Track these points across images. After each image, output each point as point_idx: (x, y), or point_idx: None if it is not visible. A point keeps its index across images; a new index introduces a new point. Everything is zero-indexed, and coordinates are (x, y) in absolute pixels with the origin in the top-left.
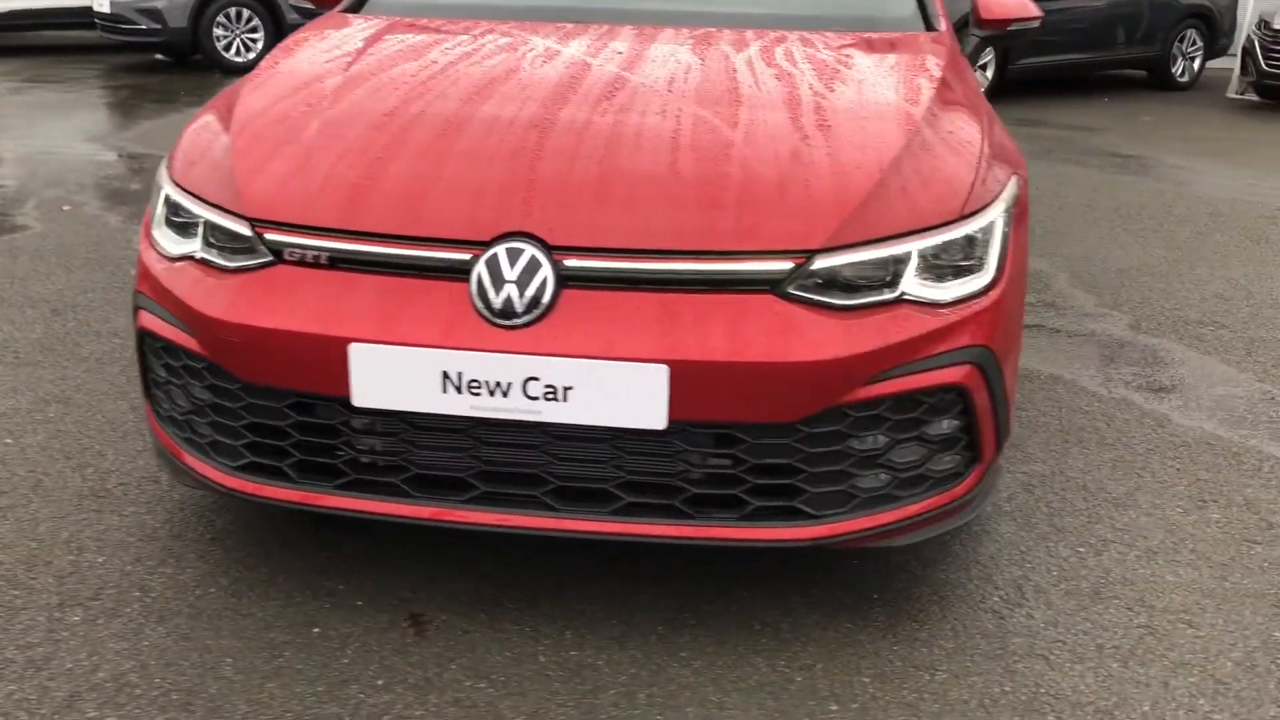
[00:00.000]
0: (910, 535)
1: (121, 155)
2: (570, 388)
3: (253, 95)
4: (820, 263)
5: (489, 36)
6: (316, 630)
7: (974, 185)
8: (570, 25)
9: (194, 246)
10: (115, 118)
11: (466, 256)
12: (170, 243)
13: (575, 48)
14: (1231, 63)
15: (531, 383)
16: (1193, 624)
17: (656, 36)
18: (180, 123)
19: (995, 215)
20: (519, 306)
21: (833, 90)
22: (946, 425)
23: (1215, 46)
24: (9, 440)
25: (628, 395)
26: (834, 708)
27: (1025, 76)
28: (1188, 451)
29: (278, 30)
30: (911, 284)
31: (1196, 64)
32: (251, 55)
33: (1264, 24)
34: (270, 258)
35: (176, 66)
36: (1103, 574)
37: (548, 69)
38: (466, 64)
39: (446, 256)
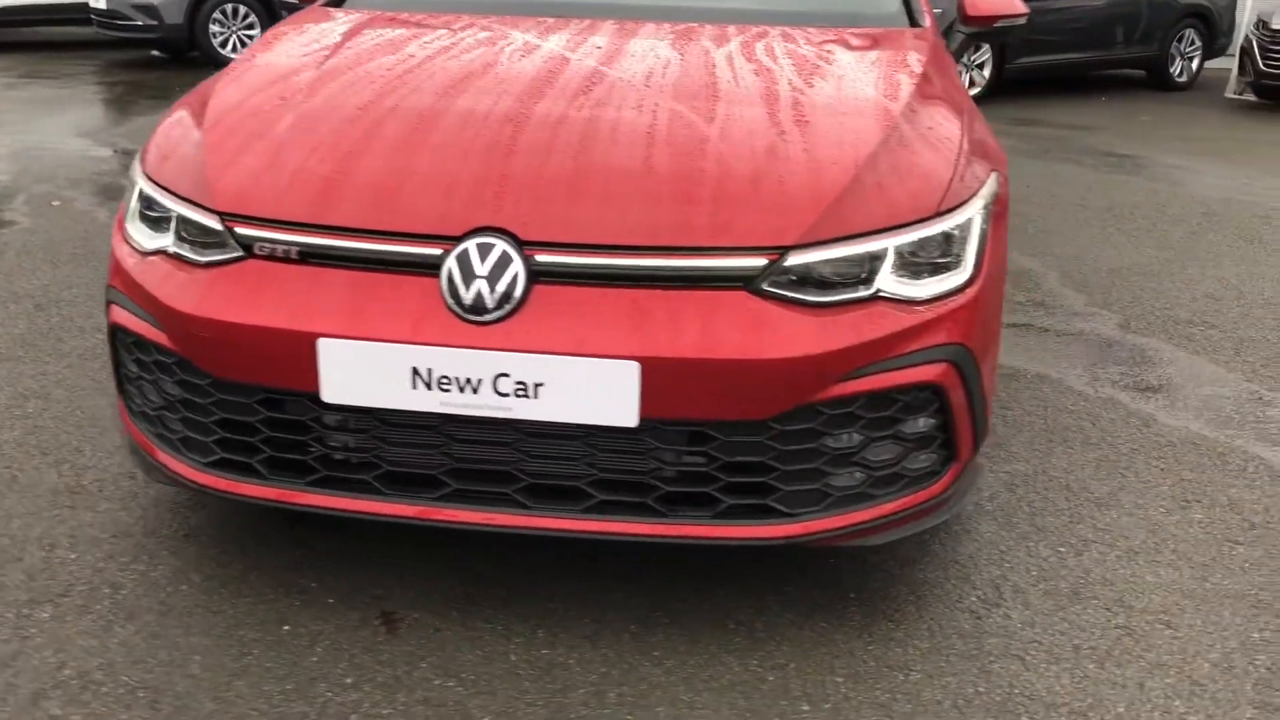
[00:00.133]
0: (886, 534)
1: (115, 151)
2: (541, 384)
3: (227, 89)
4: (794, 259)
5: (468, 31)
6: (287, 628)
7: (951, 182)
8: (551, 20)
9: (166, 241)
10: (109, 114)
11: (437, 251)
12: (143, 237)
13: (554, 42)
14: (1230, 63)
15: (502, 379)
16: (1171, 625)
17: (637, 32)
18: None
19: (973, 212)
20: (490, 302)
21: (811, 86)
22: (923, 423)
23: (1214, 46)
24: None
25: (598, 392)
26: (805, 708)
27: (1022, 76)
28: (1173, 451)
29: None
30: (887, 281)
31: (1195, 64)
32: None
33: (1262, 24)
34: (241, 252)
35: (173, 63)
36: (1082, 574)
37: (525, 63)
38: (444, 58)
39: (417, 251)
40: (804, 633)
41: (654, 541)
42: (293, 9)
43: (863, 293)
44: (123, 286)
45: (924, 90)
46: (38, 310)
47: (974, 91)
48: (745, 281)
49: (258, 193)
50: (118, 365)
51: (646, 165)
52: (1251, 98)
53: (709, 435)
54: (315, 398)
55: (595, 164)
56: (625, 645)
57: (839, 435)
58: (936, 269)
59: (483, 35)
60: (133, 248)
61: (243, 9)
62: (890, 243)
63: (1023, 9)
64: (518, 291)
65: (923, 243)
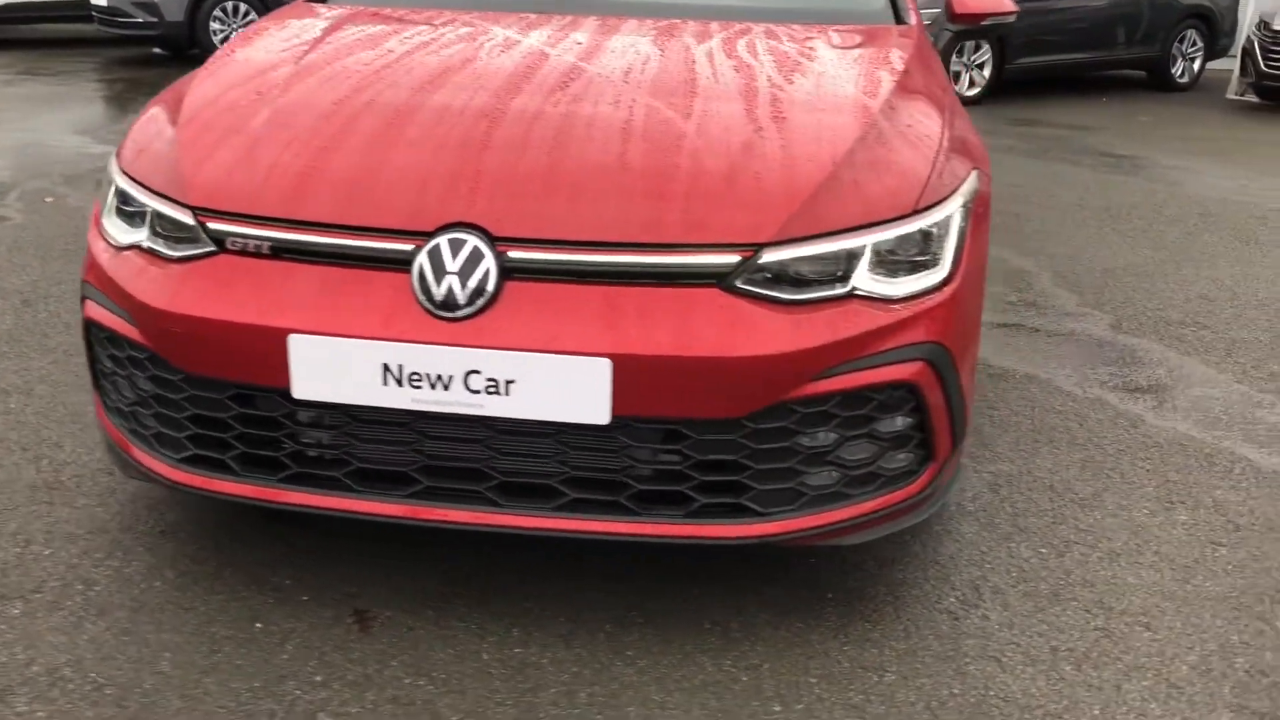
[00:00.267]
0: (862, 534)
1: (111, 148)
2: (512, 381)
3: (203, 84)
4: (768, 256)
5: (449, 27)
6: (259, 625)
7: (930, 179)
8: (534, 16)
9: (141, 236)
10: (108, 111)
11: (409, 247)
12: (119, 232)
13: (535, 38)
14: (1232, 64)
15: (473, 376)
16: (1150, 627)
17: (619, 28)
18: None
19: (952, 210)
20: (461, 298)
21: (791, 83)
22: (899, 423)
23: (1216, 47)
24: None
25: (570, 389)
26: (778, 708)
27: (1023, 76)
28: (1159, 452)
29: None
30: (863, 279)
31: (1197, 65)
32: None
33: (1264, 25)
34: (213, 247)
35: (173, 60)
36: (1063, 575)
37: (503, 59)
38: (423, 53)
39: (389, 247)
40: (779, 633)
41: (626, 540)
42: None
43: (838, 290)
44: (96, 281)
45: (904, 87)
46: (25, 306)
47: (974, 91)
48: (719, 279)
49: (230, 188)
50: (93, 361)
51: (621, 161)
52: (1253, 98)
53: (682, 433)
54: (286, 394)
55: (570, 160)
56: (599, 645)
57: (813, 434)
58: (914, 267)
59: (464, 31)
60: (108, 243)
61: (243, 6)
62: (866, 240)
63: (1011, 7)
64: (489, 287)
65: (899, 240)
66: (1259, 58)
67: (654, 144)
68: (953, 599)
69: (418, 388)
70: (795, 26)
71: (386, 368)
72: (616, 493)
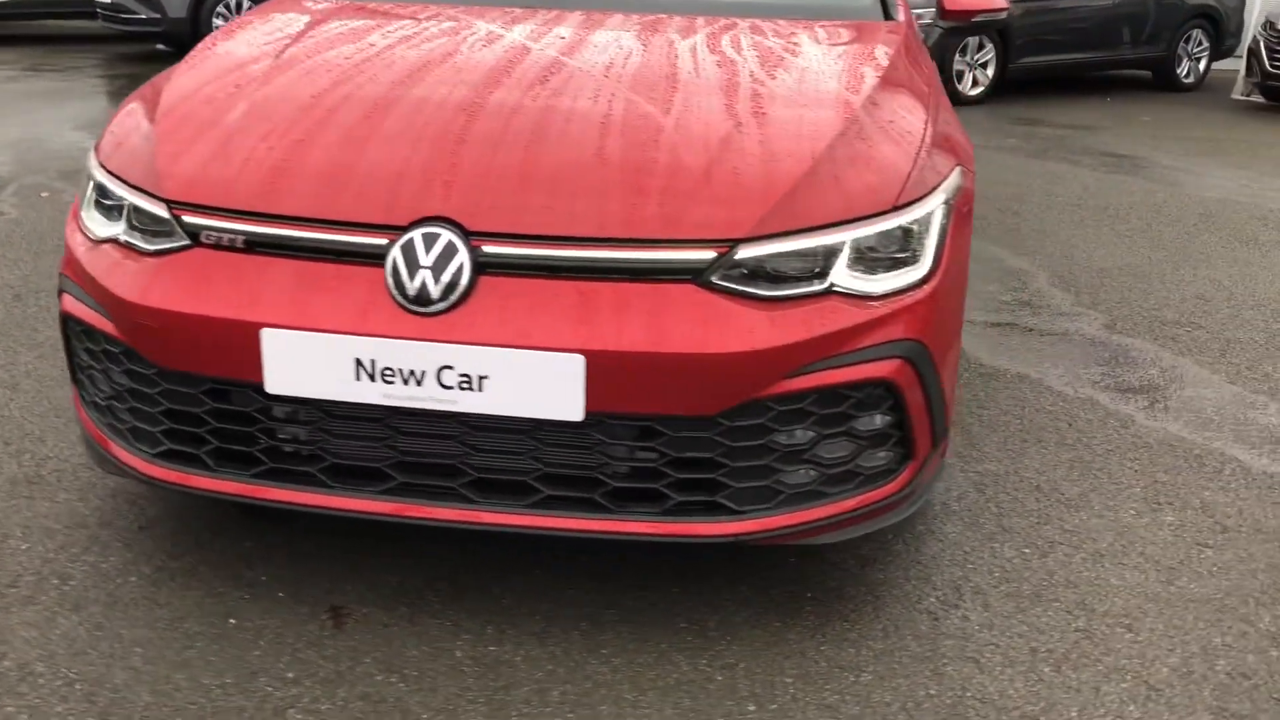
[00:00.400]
0: (839, 533)
1: None
2: (485, 377)
3: (183, 77)
4: (744, 252)
5: (433, 21)
6: (233, 621)
7: (911, 175)
8: (519, 10)
9: (119, 229)
10: (109, 107)
11: (382, 241)
12: (97, 225)
13: (518, 32)
14: (1238, 64)
15: (446, 371)
16: (1132, 628)
17: (604, 23)
18: None
19: (933, 206)
20: (434, 293)
21: (774, 78)
22: (878, 421)
23: (1222, 47)
24: None
25: (543, 385)
26: (752, 708)
27: (1026, 76)
28: (1149, 453)
29: None
30: (842, 275)
31: (1202, 65)
32: None
33: (1270, 25)
34: (188, 241)
35: (176, 57)
36: (1046, 576)
37: (485, 53)
38: (404, 47)
39: (362, 241)
40: (757, 632)
41: (601, 538)
42: None
43: (816, 287)
44: (73, 275)
45: (888, 83)
46: (16, 300)
47: (976, 91)
48: (694, 274)
49: (205, 181)
50: (70, 355)
51: (599, 156)
52: (1259, 99)
53: (657, 430)
54: (260, 389)
55: (546, 154)
56: (574, 643)
57: (789, 432)
58: (894, 264)
59: (447, 25)
60: (85, 236)
61: (245, 2)
62: (845, 236)
63: (1001, 4)
64: (463, 282)
65: (879, 237)
66: (1264, 58)
67: (632, 139)
68: (933, 599)
69: (390, 383)
70: (781, 22)
71: (359, 362)
72: (591, 490)
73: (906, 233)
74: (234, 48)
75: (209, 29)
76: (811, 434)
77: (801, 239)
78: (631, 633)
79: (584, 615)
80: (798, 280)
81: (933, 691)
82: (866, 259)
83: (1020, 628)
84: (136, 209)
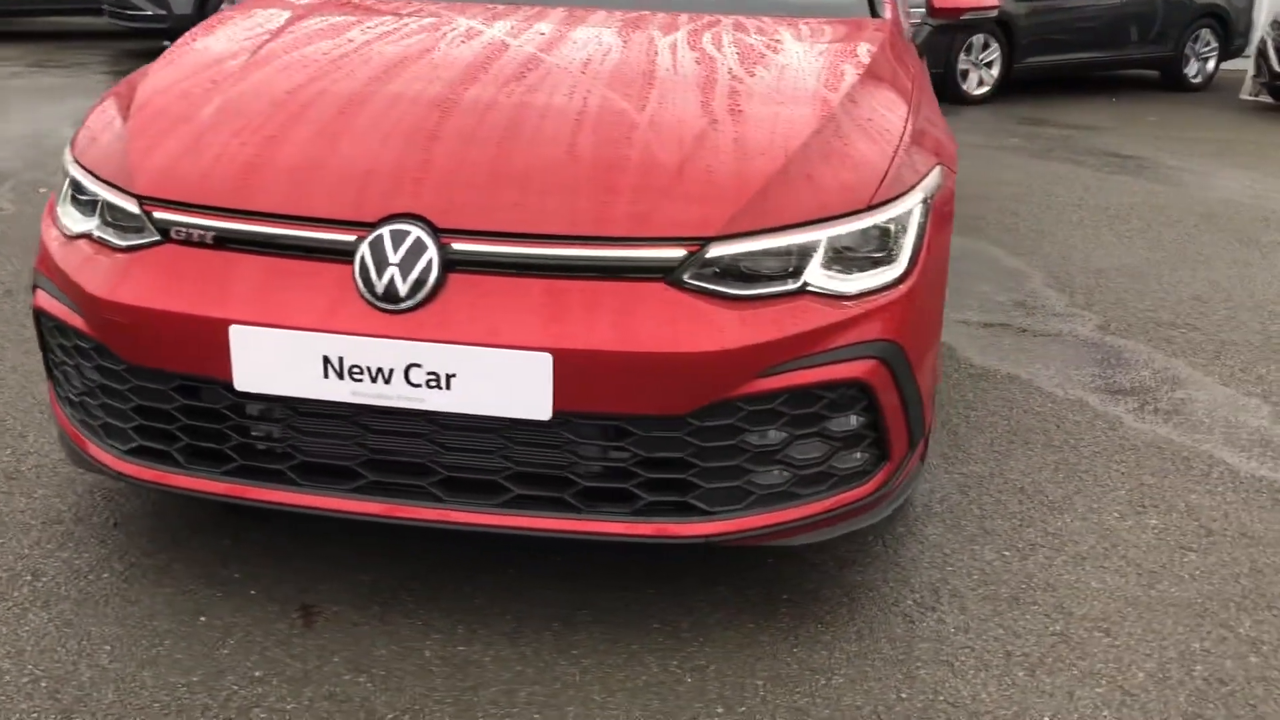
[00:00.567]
0: (813, 534)
1: None
2: (453, 375)
3: (160, 73)
4: (716, 251)
5: (414, 17)
6: (203, 619)
7: (887, 174)
8: (501, 6)
9: (93, 225)
10: None
11: (351, 238)
12: (71, 221)
13: (499, 28)
14: (1247, 64)
15: (414, 369)
16: (1110, 633)
17: (586, 19)
18: None
19: (910, 205)
20: (402, 290)
21: (752, 75)
22: (853, 422)
23: (1230, 47)
24: None
25: (511, 384)
26: (720, 710)
27: (1031, 75)
28: (1136, 455)
29: None
30: (816, 274)
31: (1210, 64)
32: None
33: (1278, 24)
34: (158, 237)
35: None
36: (1025, 579)
37: (463, 49)
38: (383, 43)
39: (331, 237)
40: (729, 633)
41: (571, 538)
42: None
43: (789, 286)
44: (46, 270)
45: (869, 81)
46: (6, 296)
47: (982, 90)
48: (664, 273)
49: (176, 176)
50: (45, 351)
51: (571, 153)
52: (1267, 99)
53: (626, 430)
54: (229, 386)
55: (518, 151)
56: (545, 643)
57: (761, 432)
58: (869, 263)
59: (428, 21)
60: (60, 231)
61: None
62: (818, 235)
63: (992, 1)
64: (431, 280)
65: (854, 236)
66: (1273, 58)
67: (605, 136)
68: (910, 602)
69: (358, 381)
70: (765, 19)
71: (327, 360)
72: (562, 489)
73: (883, 232)
74: (213, 43)
75: None
76: (784, 434)
77: (774, 237)
78: (604, 633)
79: (557, 615)
80: (770, 279)
81: (904, 695)
82: (842, 258)
83: (996, 631)
84: (109, 205)
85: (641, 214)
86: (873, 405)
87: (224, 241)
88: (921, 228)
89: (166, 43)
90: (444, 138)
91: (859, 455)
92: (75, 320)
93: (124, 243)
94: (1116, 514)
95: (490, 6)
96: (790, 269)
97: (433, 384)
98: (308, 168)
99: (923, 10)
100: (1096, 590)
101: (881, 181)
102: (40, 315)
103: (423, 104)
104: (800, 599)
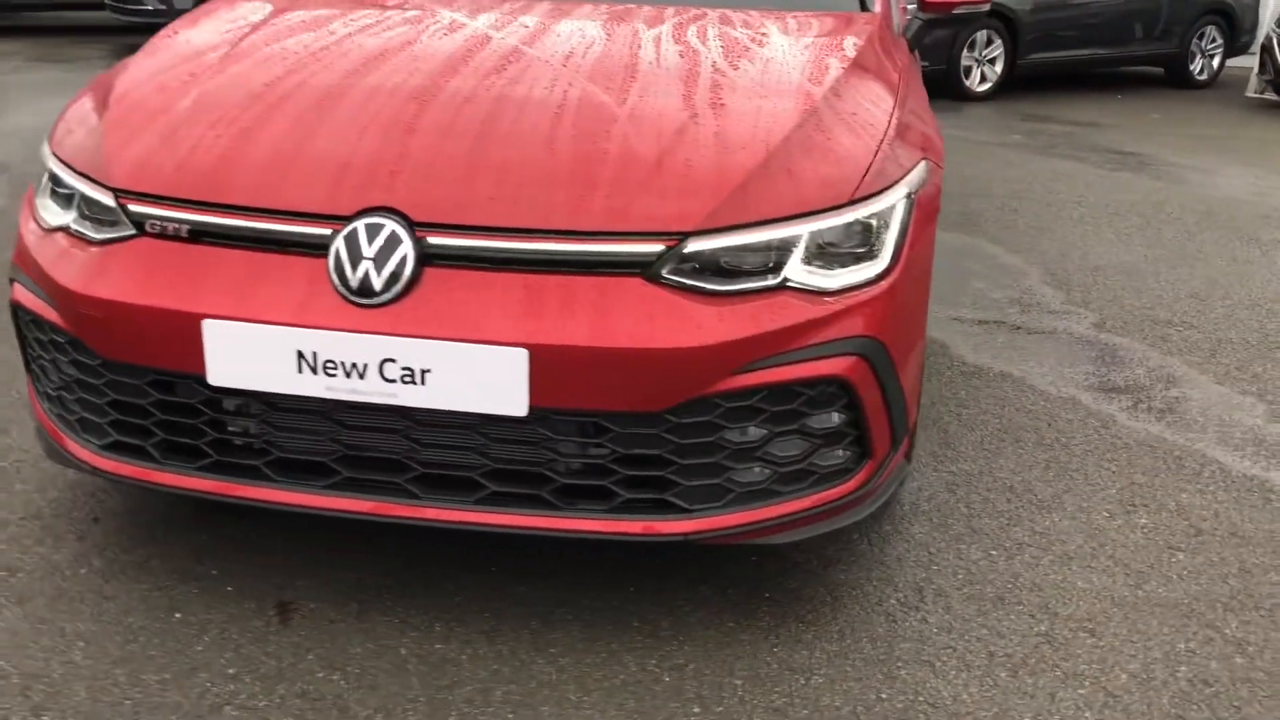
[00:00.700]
0: (794, 532)
1: None
2: (428, 370)
3: (139, 65)
4: (694, 245)
5: (398, 9)
6: (178, 615)
7: (870, 168)
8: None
9: (70, 218)
10: None
11: (326, 231)
12: (50, 214)
13: (482, 21)
14: (1253, 61)
15: (388, 364)
16: (1095, 633)
17: (571, 12)
18: None
19: (893, 200)
20: (377, 284)
21: (736, 69)
22: (835, 419)
23: (1236, 44)
24: None
25: (486, 380)
26: (697, 710)
27: (1035, 72)
28: (1127, 454)
29: None
30: (796, 270)
31: (1216, 62)
32: None
33: None
34: (133, 230)
35: None
36: (1011, 579)
37: (445, 42)
38: (364, 36)
39: (306, 231)
40: (710, 632)
41: (548, 535)
42: None
43: (769, 282)
44: (22, 264)
45: (855, 75)
46: None
47: (985, 87)
48: (642, 268)
49: (151, 169)
50: (23, 346)
51: (549, 146)
52: (1272, 97)
53: (604, 427)
54: (203, 381)
55: (496, 144)
56: (523, 642)
57: (740, 429)
58: (851, 259)
59: (411, 13)
60: (38, 224)
61: None
62: (798, 230)
63: None
64: (406, 274)
65: (835, 231)
66: (1278, 55)
67: (584, 129)
68: (893, 601)
69: (332, 376)
70: (753, 13)
71: (301, 355)
72: (538, 486)
73: (865, 227)
74: (195, 35)
75: None
76: (763, 431)
77: (753, 232)
78: (582, 632)
79: (536, 613)
80: (750, 275)
81: (884, 695)
82: (824, 253)
83: (980, 631)
84: (86, 198)
85: (619, 208)
86: (854, 402)
87: (199, 235)
88: (905, 223)
89: None
90: (421, 130)
91: (840, 453)
92: (50, 314)
93: (99, 236)
94: (1106, 513)
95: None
96: (770, 264)
97: (407, 379)
98: (283, 161)
99: (914, 5)
100: (1083, 590)
101: (864, 176)
102: (17, 309)
103: (401, 97)
104: (782, 598)
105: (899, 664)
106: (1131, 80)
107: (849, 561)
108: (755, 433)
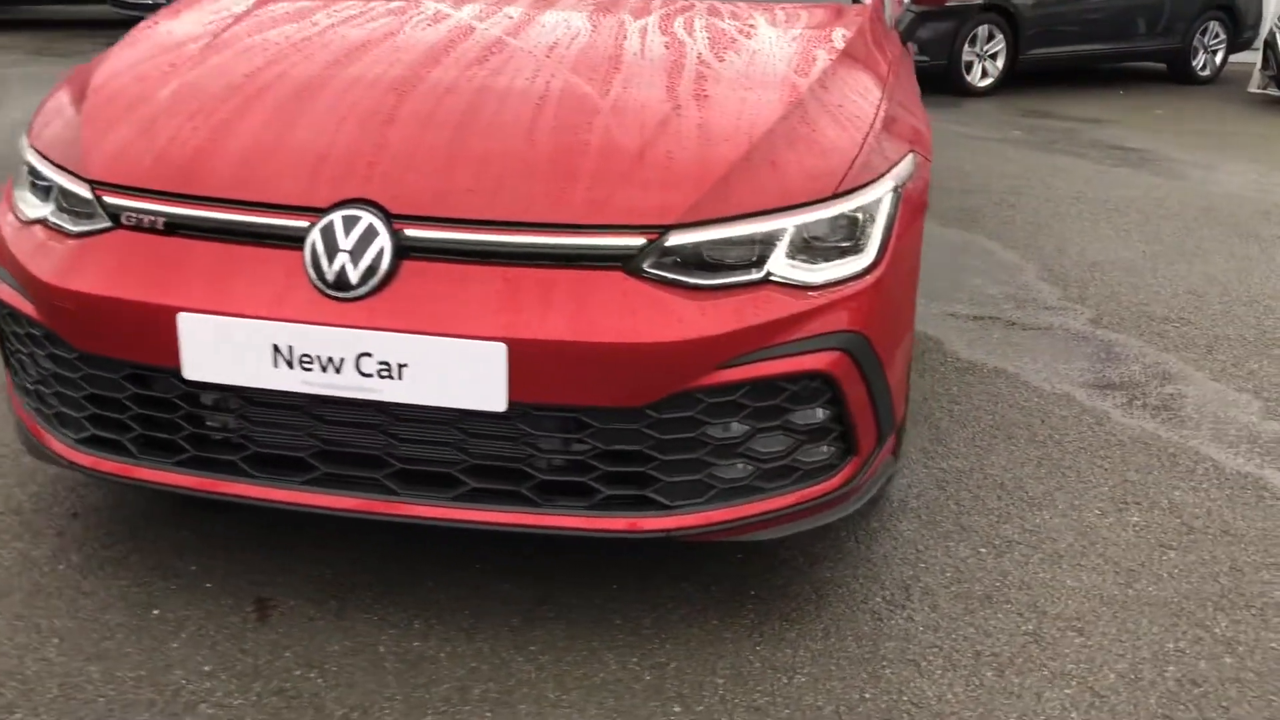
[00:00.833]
0: (778, 529)
1: None
2: (405, 365)
3: (119, 55)
4: (675, 239)
5: (382, 1)
6: (155, 612)
7: (856, 161)
8: None
9: (48, 210)
10: None
11: (302, 224)
12: (28, 206)
13: (466, 12)
14: (1256, 57)
15: (365, 359)
16: (1083, 632)
17: (556, 3)
18: None
19: (879, 194)
20: (353, 277)
21: (721, 60)
22: (819, 414)
23: (1239, 40)
24: None
25: (464, 374)
26: (677, 709)
27: (1037, 67)
28: (1121, 451)
29: None
30: (780, 264)
31: (1219, 57)
32: None
33: None
34: (109, 222)
35: None
36: (999, 577)
37: (428, 33)
38: (347, 26)
39: (282, 223)
40: (693, 630)
41: (527, 532)
42: None
43: (752, 276)
44: (0, 257)
45: (842, 66)
46: None
47: (986, 82)
48: (623, 261)
49: (127, 161)
50: (2, 339)
51: (530, 138)
52: (1275, 92)
53: (584, 422)
54: (179, 375)
55: (476, 136)
56: (503, 639)
57: (722, 425)
58: (836, 253)
59: (395, 4)
60: (15, 217)
61: None
62: (781, 224)
63: None
64: (383, 267)
65: (819, 225)
66: None
67: (565, 121)
68: (880, 599)
69: (309, 370)
70: (741, 4)
71: (277, 349)
72: (518, 483)
73: (850, 220)
74: (176, 26)
75: None
76: (745, 427)
77: (736, 226)
78: (563, 630)
79: (517, 611)
80: (733, 269)
81: (868, 695)
82: (808, 247)
83: (967, 630)
84: (63, 190)
85: (599, 200)
86: (838, 398)
87: (175, 228)
88: (891, 217)
89: None
90: (400, 122)
91: (825, 449)
92: (27, 308)
93: (76, 229)
94: (1097, 511)
95: None
96: (754, 258)
97: (384, 374)
98: (260, 152)
99: None
100: (1072, 589)
101: (849, 168)
102: None
103: (381, 88)
104: (767, 595)
105: (884, 663)
106: (1134, 76)
107: (835, 559)
108: (738, 428)
